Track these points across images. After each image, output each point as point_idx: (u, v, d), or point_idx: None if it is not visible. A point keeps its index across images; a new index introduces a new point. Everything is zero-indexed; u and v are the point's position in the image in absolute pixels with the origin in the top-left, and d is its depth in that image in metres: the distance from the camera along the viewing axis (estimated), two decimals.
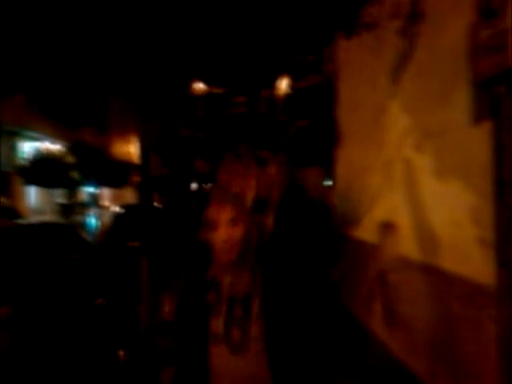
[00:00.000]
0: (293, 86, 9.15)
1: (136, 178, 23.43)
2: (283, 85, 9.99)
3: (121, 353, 6.29)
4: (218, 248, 2.60)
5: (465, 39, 3.81)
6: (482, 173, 3.57)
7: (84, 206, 25.55)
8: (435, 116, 4.40)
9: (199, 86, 10.46)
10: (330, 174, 8.47)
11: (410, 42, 4.94)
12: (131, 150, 33.61)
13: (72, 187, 26.74)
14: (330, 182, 8.72)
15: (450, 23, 4.13)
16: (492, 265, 3.43)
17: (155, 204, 15.82)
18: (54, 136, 26.22)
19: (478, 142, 3.68)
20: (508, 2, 3.15)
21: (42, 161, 22.01)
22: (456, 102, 4.00)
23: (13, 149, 22.86)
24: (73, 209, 26.13)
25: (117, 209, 17.65)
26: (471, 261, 3.77)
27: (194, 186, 28.03)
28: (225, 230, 2.63)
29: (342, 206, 7.79)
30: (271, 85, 10.69)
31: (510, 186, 3.34)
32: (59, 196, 25.60)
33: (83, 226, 19.95)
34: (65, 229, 8.43)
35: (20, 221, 10.93)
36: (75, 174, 24.59)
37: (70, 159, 23.89)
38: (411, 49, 4.93)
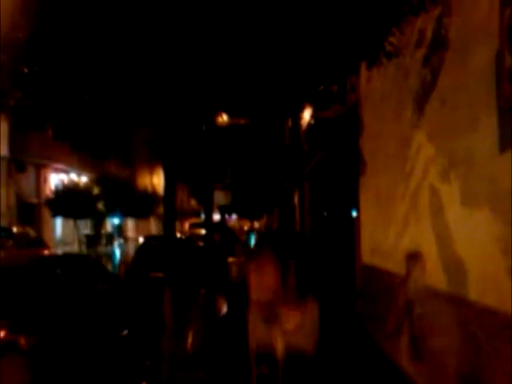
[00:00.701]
0: (316, 116, 9.18)
1: (160, 209, 23.60)
2: (306, 115, 10.03)
3: None
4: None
5: (490, 66, 3.78)
6: (511, 202, 3.48)
7: (109, 237, 25.80)
8: (461, 144, 4.33)
9: (223, 118, 10.56)
10: (355, 204, 8.40)
11: (434, 70, 4.91)
12: (156, 181, 34.03)
13: (97, 218, 27.11)
14: (355, 213, 8.64)
15: (475, 51, 4.10)
16: None
17: (178, 235, 15.88)
18: (81, 168, 26.72)
19: (505, 170, 3.60)
20: None
21: (69, 192, 22.39)
22: (482, 129, 3.95)
23: (40, 181, 23.32)
24: (98, 239, 26.41)
25: (141, 240, 17.74)
26: (501, 292, 3.65)
27: (216, 216, 28.15)
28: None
29: (367, 236, 7.69)
30: (295, 115, 10.74)
31: None
32: (85, 227, 25.94)
33: (108, 256, 20.09)
34: (89, 260, 8.48)
35: (47, 252, 11.05)
36: (101, 206, 24.93)
37: (96, 191, 24.27)
38: (434, 78, 4.90)
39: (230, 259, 18.58)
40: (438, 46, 4.83)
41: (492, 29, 3.64)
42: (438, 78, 4.86)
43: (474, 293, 4.13)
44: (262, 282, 2.82)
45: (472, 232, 4.15)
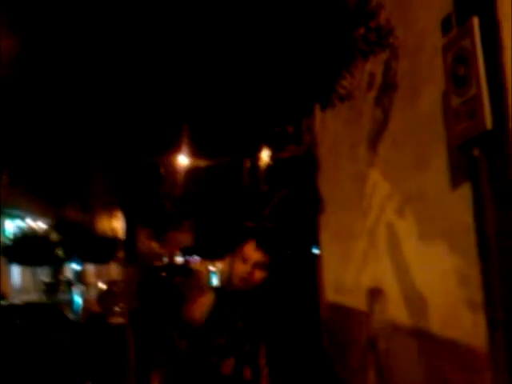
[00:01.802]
0: (274, 157, 9.31)
1: (121, 253, 23.19)
2: (264, 155, 10.16)
3: None
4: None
5: (438, 106, 3.95)
6: (465, 235, 3.60)
7: (69, 284, 25.12)
8: (414, 181, 4.48)
9: (182, 159, 10.57)
10: (316, 242, 8.47)
11: (385, 111, 5.10)
12: (116, 225, 33.54)
13: (56, 265, 26.37)
14: (317, 250, 8.70)
15: (423, 92, 4.29)
16: (483, 327, 3.40)
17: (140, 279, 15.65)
18: (38, 213, 26.08)
19: (458, 205, 3.74)
20: (472, 70, 3.30)
21: (26, 239, 21.78)
22: (433, 166, 4.10)
23: None
24: (57, 287, 25.66)
25: (102, 285, 17.38)
26: (461, 323, 3.74)
27: (179, 259, 27.85)
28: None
29: (330, 273, 7.75)
30: (253, 155, 10.86)
31: (494, 247, 3.36)
32: (43, 274, 25.18)
33: (68, 303, 19.52)
34: (49, 308, 8.27)
35: (3, 302, 10.70)
36: (59, 251, 24.32)
37: (54, 236, 23.69)
38: (386, 118, 5.08)
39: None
40: (388, 87, 5.03)
41: (436, 71, 3.82)
42: (388, 118, 5.04)
43: (435, 326, 4.20)
44: None
45: (429, 266, 4.25)
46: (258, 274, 2.67)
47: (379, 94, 5.24)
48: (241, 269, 2.67)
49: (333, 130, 7.14)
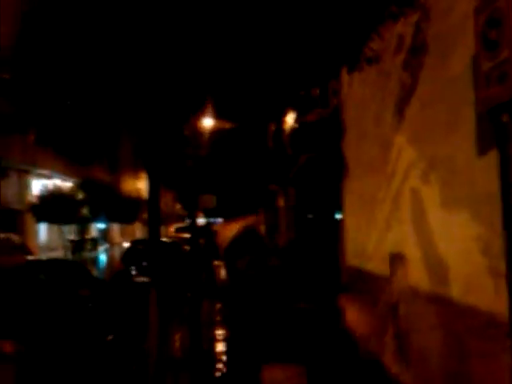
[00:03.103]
0: (299, 120, 9.23)
1: (145, 214, 23.49)
2: (290, 119, 10.08)
3: None
4: None
5: (468, 70, 3.86)
6: (490, 202, 3.56)
7: (94, 242, 25.63)
8: (441, 147, 4.41)
9: (207, 121, 10.55)
10: (339, 207, 8.46)
11: (413, 74, 5.00)
12: (141, 186, 33.86)
13: (82, 224, 26.91)
14: (340, 215, 8.70)
15: (453, 55, 4.18)
16: (504, 295, 3.39)
17: (163, 239, 15.86)
18: (65, 173, 26.47)
19: (484, 173, 3.68)
20: (505, 33, 3.20)
21: (53, 198, 22.19)
22: (461, 131, 4.03)
23: (23, 186, 23.08)
24: (83, 245, 26.22)
25: (126, 244, 17.69)
26: (482, 291, 3.73)
27: (201, 220, 28.10)
28: None
29: (352, 238, 7.76)
30: (278, 118, 10.79)
31: None
32: (70, 232, 25.73)
33: (93, 261, 19.96)
34: (74, 265, 8.45)
35: (30, 258, 10.97)
36: (85, 211, 24.75)
37: (81, 196, 24.09)
38: (414, 81, 4.98)
39: (216, 262, 18.59)
40: (417, 50, 4.92)
41: (468, 34, 3.72)
42: (417, 82, 4.94)
43: (455, 292, 4.20)
44: None
45: (452, 233, 4.23)
46: None
47: (408, 57, 5.13)
48: None
49: (359, 93, 7.04)
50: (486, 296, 3.68)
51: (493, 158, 3.54)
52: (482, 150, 3.76)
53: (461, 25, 3.96)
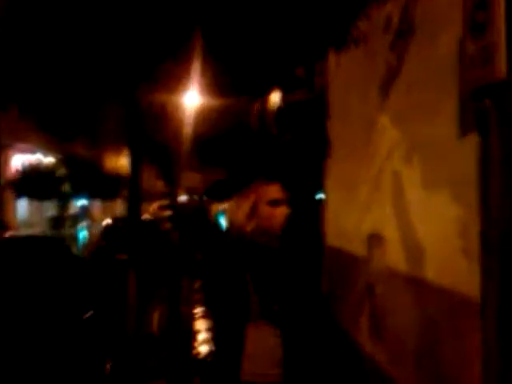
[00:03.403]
0: (284, 100, 9.19)
1: (126, 191, 23.35)
2: (275, 98, 10.03)
3: (107, 365, 6.24)
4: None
5: (453, 53, 3.87)
6: (469, 185, 3.60)
7: (75, 219, 25.48)
8: (423, 129, 4.44)
9: (191, 98, 10.45)
10: (321, 187, 8.49)
11: (399, 56, 5.00)
12: (123, 162, 33.57)
13: (63, 200, 26.66)
14: (321, 195, 8.74)
15: (439, 37, 4.19)
16: (477, 276, 3.45)
17: (144, 216, 15.82)
18: (46, 148, 26.13)
19: (465, 155, 3.72)
20: (492, 16, 3.21)
21: (33, 173, 21.94)
22: (444, 115, 4.05)
23: (4, 161, 22.78)
24: (63, 221, 26.02)
25: (107, 221, 17.60)
26: (456, 272, 3.79)
27: (183, 198, 28.06)
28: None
29: (333, 218, 7.81)
30: (263, 97, 10.73)
31: (496, 198, 3.36)
32: (50, 209, 25.50)
33: (73, 238, 19.85)
34: (53, 242, 8.39)
35: (9, 234, 10.87)
36: (66, 187, 24.51)
37: (62, 172, 23.83)
38: (400, 63, 4.99)
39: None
40: (404, 32, 4.91)
41: (455, 16, 3.72)
42: (403, 63, 4.95)
43: (431, 273, 4.27)
44: None
45: (430, 214, 4.28)
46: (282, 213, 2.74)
47: (395, 38, 5.13)
48: (266, 211, 2.74)
49: (345, 74, 7.03)
50: (460, 277, 3.74)
51: (473, 141, 3.57)
52: (464, 133, 3.79)
53: (448, 7, 3.96)
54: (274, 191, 2.79)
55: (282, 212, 2.77)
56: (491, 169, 3.41)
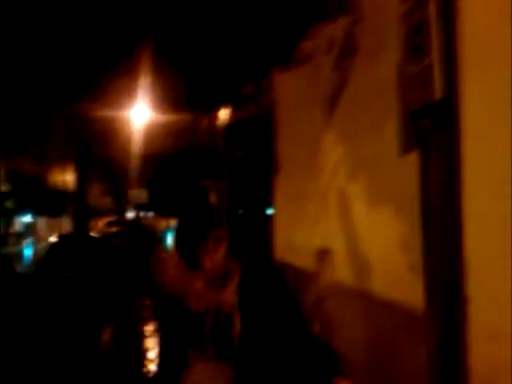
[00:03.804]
0: (232, 116, 9.26)
1: (73, 207, 22.86)
2: (223, 115, 10.09)
3: None
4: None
5: (394, 73, 4.01)
6: (411, 202, 3.72)
7: (18, 236, 24.71)
8: (367, 147, 4.57)
9: (139, 114, 10.38)
10: (270, 203, 8.57)
11: (343, 75, 5.14)
12: (69, 178, 32.91)
13: (6, 217, 25.88)
14: (271, 211, 8.81)
15: (380, 58, 4.33)
16: (420, 290, 3.56)
17: (91, 233, 15.54)
18: None
19: (406, 172, 3.85)
20: (431, 38, 3.35)
21: None
22: (386, 132, 4.18)
23: None
24: (7, 239, 25.21)
25: (53, 238, 17.16)
26: (402, 286, 3.90)
27: (130, 214, 27.68)
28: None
29: (281, 234, 7.87)
30: (211, 114, 10.78)
31: (436, 215, 3.49)
32: None
33: (17, 256, 19.24)
34: None
35: None
36: (10, 203, 23.83)
37: (5, 188, 23.16)
38: (343, 82, 5.12)
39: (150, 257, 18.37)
40: (347, 51, 5.06)
41: (394, 38, 3.87)
42: (346, 83, 5.09)
43: (377, 287, 4.37)
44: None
45: (376, 230, 4.40)
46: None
47: (338, 58, 5.27)
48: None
49: (292, 91, 7.14)
50: (404, 291, 3.85)
51: (414, 159, 3.70)
52: (405, 150, 3.92)
53: (387, 29, 4.11)
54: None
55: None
56: (431, 185, 3.54)
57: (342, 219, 5.18)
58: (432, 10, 3.33)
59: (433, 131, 3.52)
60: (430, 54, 3.38)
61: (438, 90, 3.31)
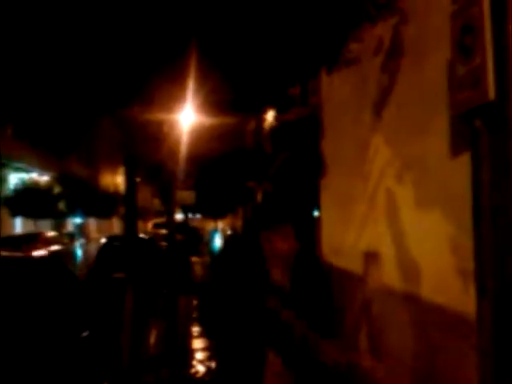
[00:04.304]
0: (279, 118, 9.29)
1: (123, 209, 23.36)
2: (269, 117, 10.14)
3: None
4: None
5: (443, 74, 3.95)
6: (462, 203, 3.66)
7: (70, 237, 25.42)
8: (415, 148, 4.51)
9: (186, 117, 10.53)
10: (317, 205, 8.54)
11: (391, 77, 5.09)
12: (119, 180, 33.64)
13: (59, 218, 26.67)
14: (317, 213, 8.79)
15: (429, 59, 4.28)
16: (472, 294, 3.49)
17: (141, 235, 15.83)
18: (42, 167, 26.21)
19: (456, 174, 3.78)
20: (480, 39, 3.29)
21: (29, 191, 21.96)
22: (435, 133, 4.12)
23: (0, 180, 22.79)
24: (60, 239, 25.96)
25: (103, 240, 17.59)
26: (452, 290, 3.83)
27: (179, 216, 28.05)
28: None
29: (328, 236, 7.84)
30: (258, 116, 10.85)
31: (488, 217, 3.41)
32: (46, 227, 25.46)
33: (69, 256, 19.79)
34: (49, 261, 8.39)
35: (4, 253, 10.86)
36: (62, 205, 24.54)
37: (57, 190, 23.87)
38: (391, 83, 5.07)
39: (194, 259, 18.61)
40: (395, 52, 5.01)
41: (444, 38, 3.81)
42: (394, 84, 5.04)
43: (426, 291, 4.30)
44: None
45: (424, 232, 4.33)
46: None
47: (386, 59, 5.22)
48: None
49: (339, 93, 7.12)
50: (454, 295, 3.78)
51: (465, 160, 3.64)
52: (455, 152, 3.86)
53: (437, 30, 4.05)
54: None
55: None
56: (483, 186, 3.47)
57: (390, 221, 5.12)
58: (484, 7, 3.26)
59: (484, 132, 3.45)
60: (482, 53, 3.31)
61: (489, 90, 3.24)
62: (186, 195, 16.43)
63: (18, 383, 4.94)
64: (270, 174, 10.66)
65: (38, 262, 7.53)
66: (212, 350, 7.60)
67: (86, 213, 28.41)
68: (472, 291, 3.49)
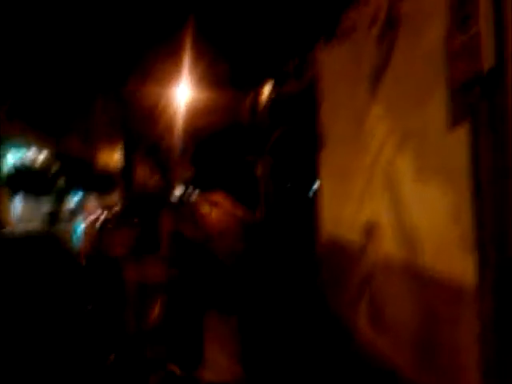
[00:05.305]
0: (275, 92, 9.22)
1: (121, 184, 23.36)
2: (267, 90, 10.06)
3: (110, 357, 6.31)
4: None
5: (441, 44, 3.92)
6: (461, 174, 3.67)
7: (71, 213, 25.42)
8: (414, 119, 4.49)
9: (183, 90, 10.45)
10: (316, 177, 8.54)
11: (388, 47, 5.04)
12: (117, 156, 33.51)
13: (59, 195, 26.65)
14: (316, 186, 8.79)
15: (426, 29, 4.23)
16: (473, 263, 3.52)
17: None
18: (39, 144, 26.09)
19: (455, 144, 3.78)
20: (478, 7, 3.26)
21: (28, 169, 21.93)
22: (433, 105, 4.10)
23: None
24: (59, 216, 26.00)
25: (102, 213, 17.57)
26: (452, 260, 3.86)
27: (178, 191, 28.04)
28: None
29: (328, 208, 7.86)
30: (255, 90, 10.77)
31: (488, 186, 3.43)
32: (46, 204, 25.47)
33: (70, 233, 19.84)
34: (50, 238, 8.44)
35: (5, 231, 10.89)
36: (61, 182, 24.51)
37: (56, 167, 23.81)
38: (388, 54, 5.03)
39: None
40: (392, 23, 4.95)
41: (441, 7, 3.77)
42: (391, 56, 4.99)
43: (427, 262, 4.33)
44: None
45: (424, 203, 4.34)
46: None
47: (383, 30, 5.17)
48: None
49: (336, 65, 7.05)
50: (455, 264, 3.81)
51: (463, 131, 3.63)
52: (454, 121, 3.85)
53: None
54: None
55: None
56: (482, 156, 3.48)
57: (390, 193, 5.13)
58: None
59: (482, 102, 3.44)
60: (478, 22, 3.29)
61: (486, 59, 3.23)
62: (184, 170, 16.41)
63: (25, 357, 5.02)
64: (267, 149, 10.65)
65: (38, 239, 7.57)
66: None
67: (86, 188, 28.43)
68: (472, 260, 3.53)
